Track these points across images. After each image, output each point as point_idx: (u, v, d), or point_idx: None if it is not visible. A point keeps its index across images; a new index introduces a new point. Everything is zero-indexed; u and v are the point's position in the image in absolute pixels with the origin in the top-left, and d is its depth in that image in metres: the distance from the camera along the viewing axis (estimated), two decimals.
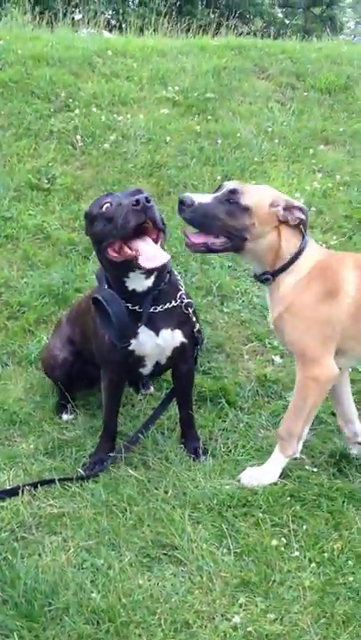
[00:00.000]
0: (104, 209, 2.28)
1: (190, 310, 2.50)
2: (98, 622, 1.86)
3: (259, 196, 2.29)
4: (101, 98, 4.99)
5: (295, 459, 2.50)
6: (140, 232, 2.24)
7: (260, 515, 2.26)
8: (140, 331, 2.40)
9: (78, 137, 4.59)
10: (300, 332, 2.34)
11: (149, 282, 2.37)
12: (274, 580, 2.01)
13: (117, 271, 2.34)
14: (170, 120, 4.87)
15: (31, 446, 2.67)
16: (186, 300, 2.49)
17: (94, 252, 2.61)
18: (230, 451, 2.66)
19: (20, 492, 2.34)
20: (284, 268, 2.34)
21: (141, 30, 7.50)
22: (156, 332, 2.43)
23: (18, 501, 2.31)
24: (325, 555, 2.11)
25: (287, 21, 19.36)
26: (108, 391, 2.58)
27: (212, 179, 4.39)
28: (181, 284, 2.56)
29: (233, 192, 2.26)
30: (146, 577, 2.02)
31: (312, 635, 1.84)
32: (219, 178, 4.40)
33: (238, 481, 2.41)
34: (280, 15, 19.81)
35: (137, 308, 2.38)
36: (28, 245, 3.78)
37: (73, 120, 4.73)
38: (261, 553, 2.10)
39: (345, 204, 4.32)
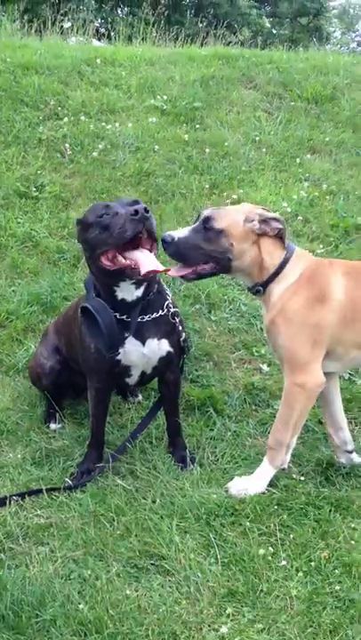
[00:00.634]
0: (101, 217, 2.29)
1: (177, 319, 2.51)
2: (85, 634, 1.85)
3: (231, 216, 2.37)
4: (90, 106, 5.01)
5: (283, 469, 2.51)
6: (134, 242, 2.25)
7: (248, 524, 2.26)
8: (126, 341, 2.41)
9: (67, 145, 4.60)
10: (291, 336, 2.37)
11: (139, 292, 2.38)
12: (261, 590, 2.02)
13: (109, 280, 2.35)
14: (158, 129, 4.90)
15: (19, 456, 2.66)
16: (173, 310, 2.50)
17: (84, 260, 2.62)
18: (218, 459, 2.66)
19: (8, 502, 2.33)
20: (271, 279, 2.40)
21: (130, 39, 7.54)
22: (143, 342, 2.43)
23: (5, 512, 2.30)
24: (312, 564, 2.11)
25: (274, 31, 19.54)
26: (95, 400, 2.58)
27: (200, 187, 4.42)
28: (168, 292, 2.57)
29: (206, 219, 2.36)
30: (133, 587, 2.02)
31: None
32: (207, 186, 4.43)
33: (226, 491, 2.42)
34: (268, 25, 19.99)
35: (125, 317, 2.39)
36: (16, 253, 3.78)
37: (62, 128, 4.73)
38: (249, 562, 2.11)
39: (331, 213, 4.36)
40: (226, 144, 4.83)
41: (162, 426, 2.80)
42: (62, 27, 8.09)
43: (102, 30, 12.05)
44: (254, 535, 2.22)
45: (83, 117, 4.87)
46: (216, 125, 5.08)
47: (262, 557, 2.12)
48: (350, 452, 2.63)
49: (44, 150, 4.54)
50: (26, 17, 8.24)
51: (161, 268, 2.26)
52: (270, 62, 6.01)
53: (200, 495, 2.37)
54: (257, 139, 4.99)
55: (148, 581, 2.05)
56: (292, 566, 2.11)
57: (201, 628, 1.89)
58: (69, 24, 9.25)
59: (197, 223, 2.38)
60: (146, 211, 2.21)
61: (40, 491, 2.39)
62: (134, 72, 5.54)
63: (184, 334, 2.55)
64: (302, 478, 2.53)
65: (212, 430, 2.84)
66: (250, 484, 2.42)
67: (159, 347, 2.47)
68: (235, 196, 4.34)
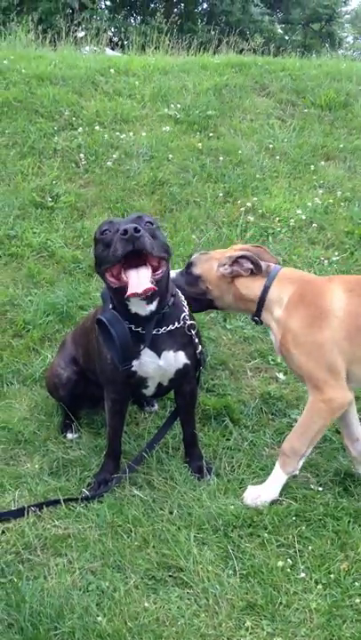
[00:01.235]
0: (103, 233, 2.29)
1: (193, 332, 2.50)
2: None
3: (207, 263, 2.58)
4: (104, 116, 5.05)
5: (295, 476, 2.49)
6: (140, 259, 2.20)
7: (266, 535, 2.25)
8: (142, 352, 2.41)
9: (82, 155, 4.64)
10: (303, 358, 2.36)
11: (152, 306, 2.35)
12: (280, 603, 2.00)
13: (118, 295, 2.34)
14: (172, 138, 4.92)
15: (36, 466, 2.66)
16: (189, 322, 2.49)
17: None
18: (235, 469, 2.65)
19: (26, 512, 2.34)
20: (259, 309, 2.50)
21: (143, 48, 7.59)
22: (158, 354, 2.43)
23: (23, 522, 2.31)
24: (332, 576, 2.10)
25: (287, 37, 19.56)
26: (112, 411, 2.58)
27: (213, 195, 4.42)
28: (185, 304, 2.56)
29: (189, 265, 2.62)
30: (152, 600, 2.02)
31: None
32: (221, 195, 4.44)
33: (241, 501, 2.41)
34: (280, 31, 20.02)
35: (140, 329, 2.39)
36: (32, 263, 3.81)
37: (76, 138, 4.77)
38: (267, 574, 2.09)
39: (346, 220, 4.35)
40: (240, 152, 4.84)
41: (178, 436, 2.79)
42: (76, 37, 8.17)
43: (115, 39, 12.14)
44: (273, 547, 2.20)
45: (97, 127, 4.91)
46: (230, 133, 5.10)
47: (281, 569, 2.11)
48: None
49: (59, 160, 4.58)
50: (40, 27, 8.32)
51: (141, 288, 2.15)
52: (283, 69, 6.02)
53: (217, 506, 2.36)
54: (271, 146, 5.00)
55: (167, 593, 2.05)
56: (311, 578, 2.09)
57: None
58: (83, 33, 9.34)
59: (184, 267, 2.63)
60: (136, 230, 2.14)
61: (58, 501, 2.40)
62: (148, 81, 5.58)
63: (200, 347, 2.54)
64: (320, 489, 2.51)
65: (229, 440, 2.83)
66: (263, 492, 2.41)
67: (175, 359, 2.47)
68: (249, 204, 4.34)
